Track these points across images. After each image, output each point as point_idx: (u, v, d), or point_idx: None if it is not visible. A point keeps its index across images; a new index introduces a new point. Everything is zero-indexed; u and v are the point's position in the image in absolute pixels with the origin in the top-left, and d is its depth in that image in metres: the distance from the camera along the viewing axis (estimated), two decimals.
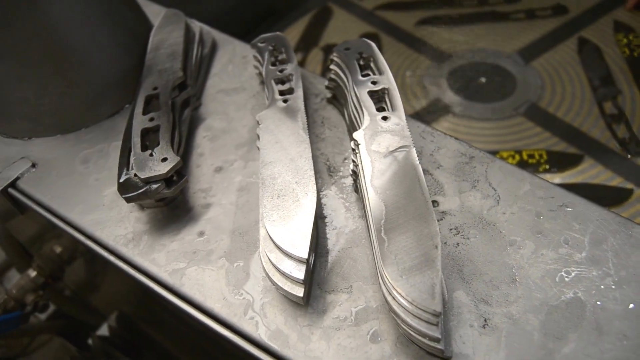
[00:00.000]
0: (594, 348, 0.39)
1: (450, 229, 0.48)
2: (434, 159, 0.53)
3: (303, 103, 0.54)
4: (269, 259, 0.42)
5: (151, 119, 0.53)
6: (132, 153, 0.50)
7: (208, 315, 0.45)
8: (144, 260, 0.48)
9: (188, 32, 0.65)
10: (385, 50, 1.27)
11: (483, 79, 1.18)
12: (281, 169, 0.48)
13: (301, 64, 1.26)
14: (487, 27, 1.30)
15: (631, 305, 0.41)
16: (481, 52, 1.24)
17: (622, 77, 1.12)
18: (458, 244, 0.47)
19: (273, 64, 0.59)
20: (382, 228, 0.41)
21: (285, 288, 0.41)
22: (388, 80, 0.52)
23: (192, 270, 0.47)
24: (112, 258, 0.50)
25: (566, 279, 0.43)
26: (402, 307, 0.38)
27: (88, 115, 0.60)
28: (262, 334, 0.43)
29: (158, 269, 0.48)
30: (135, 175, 0.48)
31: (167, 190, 0.48)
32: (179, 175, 0.50)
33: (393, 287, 0.38)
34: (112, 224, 0.51)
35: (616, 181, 0.96)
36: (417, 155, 0.45)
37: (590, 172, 0.98)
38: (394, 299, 0.38)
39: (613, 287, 0.43)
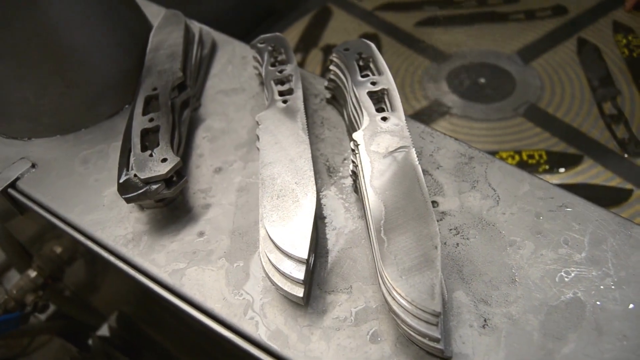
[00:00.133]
0: (594, 348, 0.40)
1: (450, 230, 0.48)
2: (433, 160, 0.53)
3: (302, 104, 0.54)
4: (269, 260, 0.42)
5: (151, 120, 0.53)
6: (131, 153, 0.50)
7: (208, 315, 0.45)
8: (144, 261, 0.48)
9: (188, 32, 0.65)
10: (384, 50, 1.27)
11: (482, 80, 1.18)
12: (281, 169, 0.48)
13: (301, 64, 1.26)
14: (487, 28, 1.30)
15: (631, 306, 0.41)
16: (481, 53, 1.24)
17: (622, 78, 1.12)
18: (458, 244, 0.47)
19: (272, 65, 0.59)
20: (382, 228, 0.41)
21: (285, 288, 0.41)
22: (387, 80, 0.52)
23: (192, 271, 0.47)
24: (112, 258, 0.50)
25: (566, 279, 0.43)
26: (402, 307, 0.38)
27: (88, 115, 0.60)
28: (262, 334, 0.43)
29: (158, 270, 0.48)
30: (135, 175, 0.48)
31: (166, 190, 0.48)
32: (179, 175, 0.50)
33: (393, 287, 0.38)
34: (112, 225, 0.51)
35: (616, 181, 0.96)
36: (417, 156, 0.45)
37: (589, 172, 0.98)
38: (394, 299, 0.38)
39: (613, 287, 0.43)
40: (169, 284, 0.47)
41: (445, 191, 0.51)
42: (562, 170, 0.99)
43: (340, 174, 0.54)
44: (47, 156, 0.58)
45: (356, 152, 0.47)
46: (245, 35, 0.79)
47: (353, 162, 0.48)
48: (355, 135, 0.48)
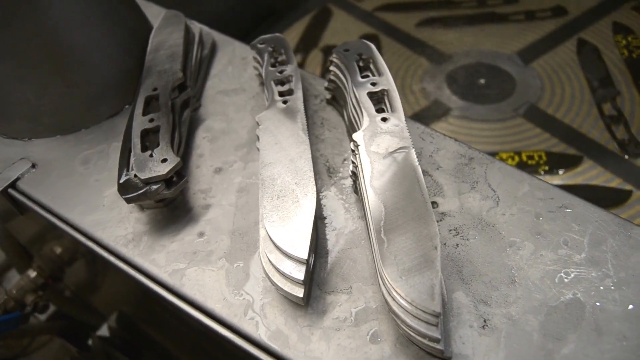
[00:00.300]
0: (594, 349, 0.40)
1: (450, 230, 0.48)
2: (433, 160, 0.54)
3: (303, 104, 0.54)
4: (269, 260, 0.42)
5: (151, 120, 0.53)
6: (132, 154, 0.51)
7: (208, 315, 0.45)
8: (144, 261, 0.49)
9: (188, 33, 0.65)
10: (384, 51, 1.27)
11: (482, 80, 1.18)
12: (281, 169, 0.48)
13: (301, 65, 1.26)
14: (487, 29, 1.30)
15: (630, 306, 0.42)
16: (481, 54, 1.24)
17: (621, 78, 1.12)
18: (457, 244, 0.47)
19: (273, 65, 0.59)
20: (382, 229, 0.41)
21: (285, 289, 0.41)
22: (387, 81, 0.52)
23: (192, 271, 0.47)
24: (112, 258, 0.50)
25: (565, 280, 0.44)
26: (402, 307, 0.38)
27: (88, 115, 0.60)
28: (262, 335, 0.43)
29: (158, 270, 0.48)
30: (135, 176, 0.49)
31: (167, 191, 0.48)
32: (179, 176, 0.50)
33: (393, 287, 0.38)
34: (112, 225, 0.51)
35: (615, 182, 0.96)
36: (417, 157, 0.45)
37: (589, 173, 0.98)
38: (394, 299, 0.38)
39: (612, 288, 0.43)
40: (169, 284, 0.47)
41: (445, 192, 0.51)
42: (561, 171, 0.99)
43: (340, 174, 0.54)
44: (47, 156, 0.58)
45: (356, 152, 0.47)
46: (245, 35, 0.79)
47: (353, 162, 0.48)
48: (355, 136, 0.48)
